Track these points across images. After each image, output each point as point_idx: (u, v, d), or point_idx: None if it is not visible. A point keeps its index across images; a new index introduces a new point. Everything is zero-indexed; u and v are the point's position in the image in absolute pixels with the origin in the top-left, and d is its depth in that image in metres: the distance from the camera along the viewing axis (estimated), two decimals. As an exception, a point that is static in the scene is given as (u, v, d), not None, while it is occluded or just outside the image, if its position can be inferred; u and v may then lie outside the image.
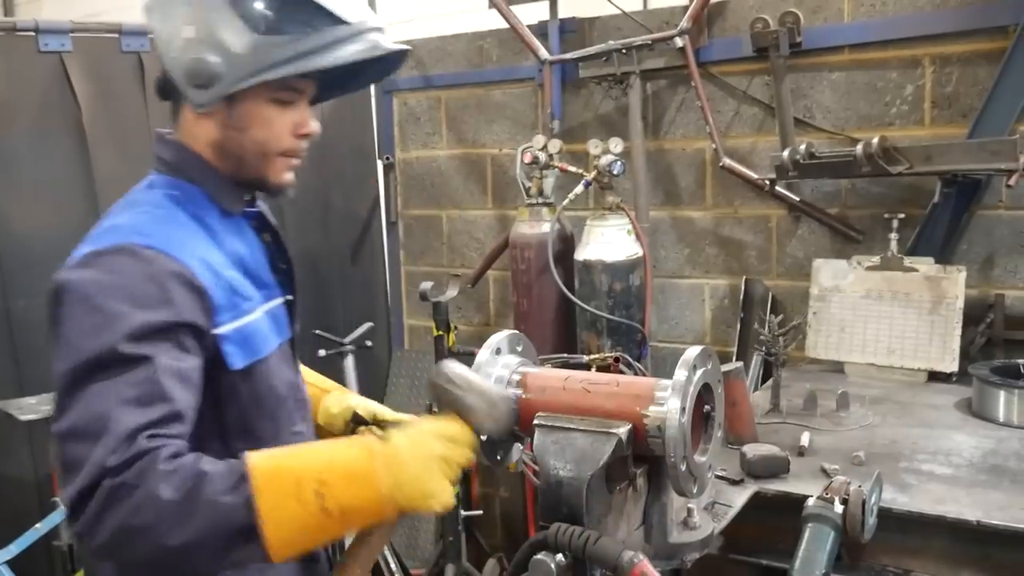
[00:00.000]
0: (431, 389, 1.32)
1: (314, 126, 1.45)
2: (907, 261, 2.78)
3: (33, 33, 2.92)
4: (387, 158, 4.05)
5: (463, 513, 3.20)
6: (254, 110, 1.38)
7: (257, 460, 1.18)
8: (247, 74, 1.33)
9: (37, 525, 2.64)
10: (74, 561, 2.74)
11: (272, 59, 1.32)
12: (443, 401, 1.30)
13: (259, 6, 1.33)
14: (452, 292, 3.13)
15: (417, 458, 1.22)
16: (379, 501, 1.19)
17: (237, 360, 1.34)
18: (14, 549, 2.60)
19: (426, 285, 3.04)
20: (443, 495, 1.23)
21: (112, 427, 1.14)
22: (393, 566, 3.27)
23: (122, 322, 1.20)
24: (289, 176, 1.47)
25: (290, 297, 1.54)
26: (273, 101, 1.39)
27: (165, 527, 1.11)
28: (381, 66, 1.50)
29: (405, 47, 1.45)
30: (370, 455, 1.20)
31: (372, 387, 3.92)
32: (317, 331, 3.33)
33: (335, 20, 1.34)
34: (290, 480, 1.17)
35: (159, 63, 1.39)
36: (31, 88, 2.93)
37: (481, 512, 3.68)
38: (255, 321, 1.39)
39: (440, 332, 3.10)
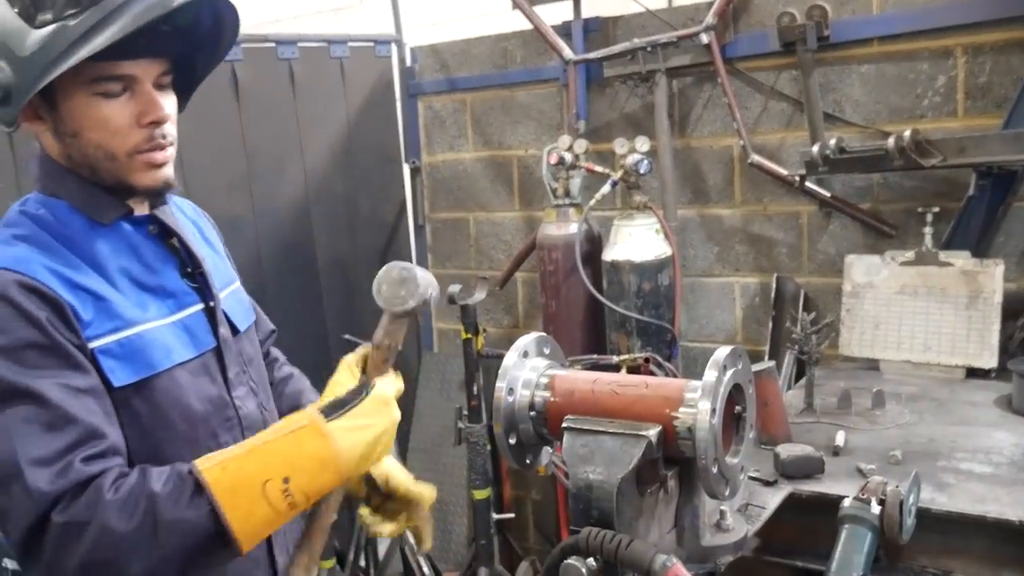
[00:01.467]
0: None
1: (164, 111, 1.29)
2: (942, 255, 2.73)
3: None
4: (413, 162, 4.05)
5: (495, 516, 3.19)
6: (79, 111, 1.25)
7: (213, 474, 1.15)
8: (37, 76, 1.18)
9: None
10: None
11: (52, 53, 1.17)
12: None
13: None
14: (480, 295, 3.13)
15: (380, 432, 1.24)
16: (342, 479, 1.23)
17: (120, 376, 1.24)
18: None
19: (454, 288, 3.03)
20: (384, 451, 1.28)
21: (23, 465, 1.11)
22: (426, 569, 3.27)
23: None
24: (159, 175, 1.32)
25: (211, 304, 1.42)
26: (97, 95, 1.24)
27: (126, 558, 1.11)
28: (220, 25, 1.36)
29: None
30: (326, 439, 1.20)
31: (402, 391, 3.93)
32: (346, 336, 3.34)
33: None
34: (255, 487, 1.15)
35: None
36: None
37: (513, 515, 3.67)
38: (146, 332, 1.29)
39: (469, 335, 3.10)
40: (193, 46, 1.38)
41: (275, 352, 1.76)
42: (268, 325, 1.74)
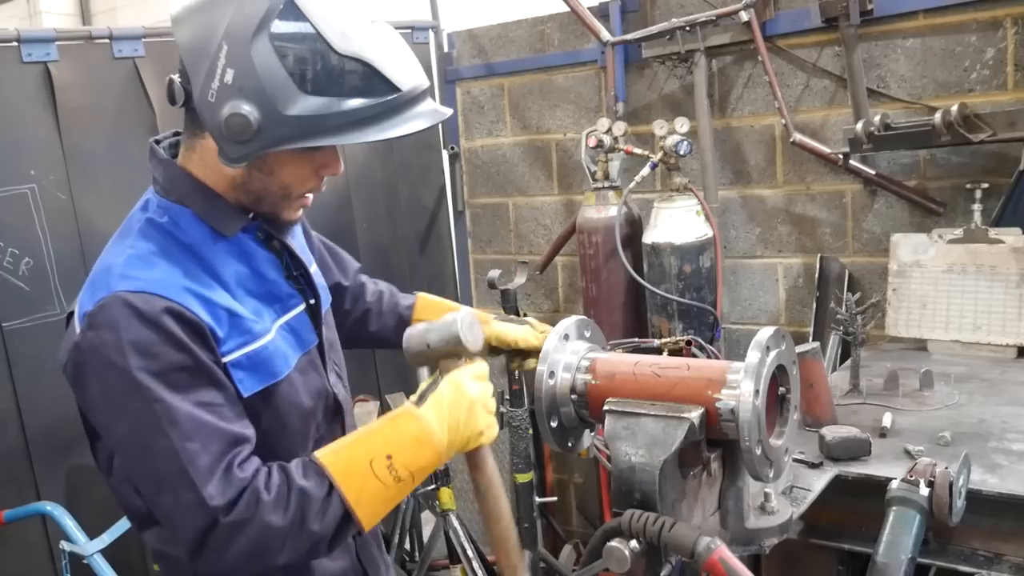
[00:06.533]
0: (412, 361, 1.46)
1: (339, 167, 1.40)
2: (992, 232, 2.67)
3: (108, 40, 3.01)
4: (452, 148, 4.06)
5: (538, 500, 3.20)
6: (287, 158, 1.32)
7: (329, 459, 1.31)
8: (293, 137, 1.25)
9: (128, 515, 2.73)
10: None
11: (323, 126, 1.25)
12: (424, 362, 1.45)
13: (309, 63, 1.24)
14: (520, 279, 3.12)
15: (457, 407, 1.36)
16: (439, 454, 1.35)
17: (248, 386, 1.34)
18: (107, 539, 2.69)
19: (494, 273, 3.04)
20: (489, 430, 1.39)
21: (195, 477, 1.23)
22: (470, 552, 3.30)
23: (141, 376, 1.23)
24: (300, 213, 1.45)
25: (312, 301, 1.51)
26: (307, 149, 1.31)
27: (282, 546, 1.27)
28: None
29: (447, 111, 1.40)
30: (419, 420, 1.34)
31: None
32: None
33: (391, 88, 1.27)
34: (363, 465, 1.31)
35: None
36: (108, 93, 3.02)
37: (556, 499, 3.69)
38: (268, 344, 1.38)
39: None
40: None
41: (362, 278, 1.91)
42: (353, 264, 1.89)
